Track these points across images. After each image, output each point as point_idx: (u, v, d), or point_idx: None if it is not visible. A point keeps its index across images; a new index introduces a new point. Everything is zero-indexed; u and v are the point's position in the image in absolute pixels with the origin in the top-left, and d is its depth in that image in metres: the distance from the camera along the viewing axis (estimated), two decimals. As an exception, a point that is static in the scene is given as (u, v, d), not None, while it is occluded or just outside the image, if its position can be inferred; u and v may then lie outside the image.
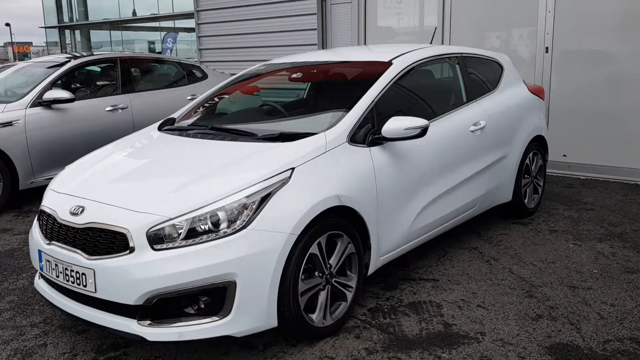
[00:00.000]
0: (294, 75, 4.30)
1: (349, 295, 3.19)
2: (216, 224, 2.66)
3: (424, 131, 3.37)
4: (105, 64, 7.22)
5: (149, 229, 2.63)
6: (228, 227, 2.65)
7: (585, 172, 6.62)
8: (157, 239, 2.62)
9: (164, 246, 2.61)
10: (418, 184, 3.61)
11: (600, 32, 6.36)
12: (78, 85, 7.14)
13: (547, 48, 6.70)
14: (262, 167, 2.91)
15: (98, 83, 7.23)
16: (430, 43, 5.50)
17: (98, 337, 3.14)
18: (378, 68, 3.77)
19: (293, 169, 2.92)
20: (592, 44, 6.47)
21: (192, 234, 2.64)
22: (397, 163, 3.45)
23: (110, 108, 6.69)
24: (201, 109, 4.19)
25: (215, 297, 2.64)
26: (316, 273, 2.96)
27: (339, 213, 3.05)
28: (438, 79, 4.47)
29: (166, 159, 3.32)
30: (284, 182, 2.84)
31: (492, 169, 4.41)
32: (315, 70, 4.29)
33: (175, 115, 4.17)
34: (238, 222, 2.66)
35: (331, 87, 4.15)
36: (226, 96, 4.33)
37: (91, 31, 17.60)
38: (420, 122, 3.35)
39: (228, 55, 10.22)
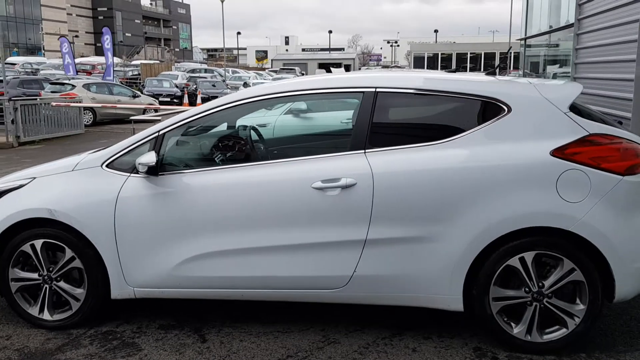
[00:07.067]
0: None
1: (76, 305, 3.47)
2: None
3: (150, 169, 3.22)
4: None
5: None
6: None
7: None
8: None
9: None
10: (194, 227, 3.33)
11: None
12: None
13: None
14: (22, 171, 3.74)
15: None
16: (497, 67, 3.91)
17: None
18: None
19: (34, 178, 3.58)
20: None
21: None
22: (164, 197, 3.35)
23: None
24: None
25: None
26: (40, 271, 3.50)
27: (64, 227, 3.39)
28: (296, 118, 3.49)
29: None
30: (18, 187, 3.58)
31: (382, 248, 3.21)
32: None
33: None
34: None
35: None
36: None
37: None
38: (144, 159, 3.24)
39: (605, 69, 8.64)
